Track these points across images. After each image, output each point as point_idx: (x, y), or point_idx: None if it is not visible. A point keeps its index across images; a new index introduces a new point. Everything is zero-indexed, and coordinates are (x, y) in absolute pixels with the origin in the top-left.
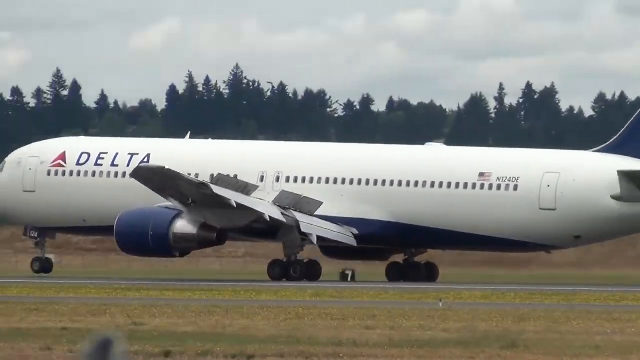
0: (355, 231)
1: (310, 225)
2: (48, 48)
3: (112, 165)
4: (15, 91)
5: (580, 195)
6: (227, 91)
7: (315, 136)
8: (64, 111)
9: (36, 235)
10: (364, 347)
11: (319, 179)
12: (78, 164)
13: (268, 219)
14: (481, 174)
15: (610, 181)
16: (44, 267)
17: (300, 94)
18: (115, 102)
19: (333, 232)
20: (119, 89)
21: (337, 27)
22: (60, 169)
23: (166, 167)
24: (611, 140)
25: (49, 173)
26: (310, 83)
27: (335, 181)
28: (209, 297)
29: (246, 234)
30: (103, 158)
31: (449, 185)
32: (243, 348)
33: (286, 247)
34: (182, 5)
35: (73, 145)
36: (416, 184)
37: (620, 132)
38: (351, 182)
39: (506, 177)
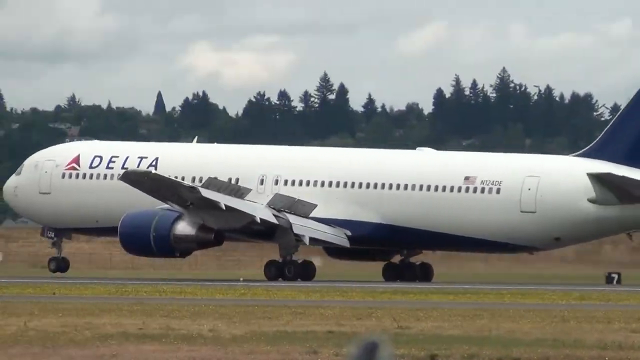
0: (349, 232)
1: (303, 227)
2: (315, 52)
3: (123, 168)
4: (283, 94)
5: (559, 198)
6: (494, 95)
7: (581, 140)
8: (331, 114)
9: (53, 236)
10: (629, 350)
11: (315, 182)
12: (91, 167)
13: (258, 221)
14: (466, 178)
15: (587, 185)
16: (59, 266)
17: (567, 97)
18: (382, 106)
19: (326, 233)
20: (386, 92)
21: (603, 30)
22: (74, 172)
23: (153, 171)
24: (591, 145)
25: (63, 176)
26: (577, 86)
27: (330, 184)
28: (474, 300)
29: (243, 234)
30: (114, 161)
31: (436, 188)
32: (508, 351)
33: (281, 248)
34: (449, 8)
35: (86, 149)
36: (405, 187)
37: (598, 137)
38: (345, 185)
39: (489, 181)
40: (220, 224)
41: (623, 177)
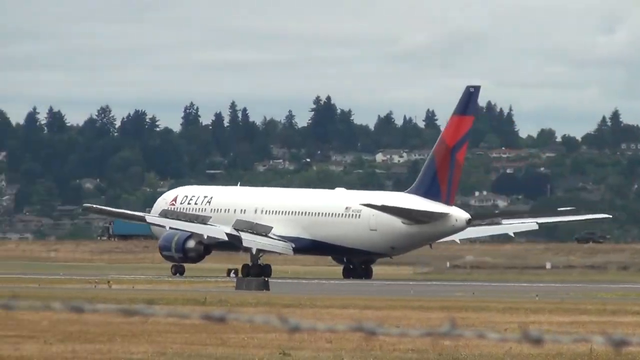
0: (294, 245)
1: (251, 241)
2: None
3: (195, 204)
4: None
5: (389, 221)
6: None
7: None
8: None
9: None
10: None
11: (278, 212)
12: (181, 203)
13: (205, 238)
14: (346, 208)
15: None
16: (178, 270)
17: None
18: None
19: (273, 245)
20: None
21: None
22: (172, 207)
23: (93, 205)
24: (414, 184)
25: (168, 209)
26: None
27: (286, 213)
28: None
29: (224, 247)
30: (192, 199)
31: (333, 215)
32: None
33: (250, 255)
34: None
35: (181, 192)
36: (319, 214)
37: (417, 178)
38: (292, 213)
39: (356, 209)
40: (207, 241)
41: (386, 206)
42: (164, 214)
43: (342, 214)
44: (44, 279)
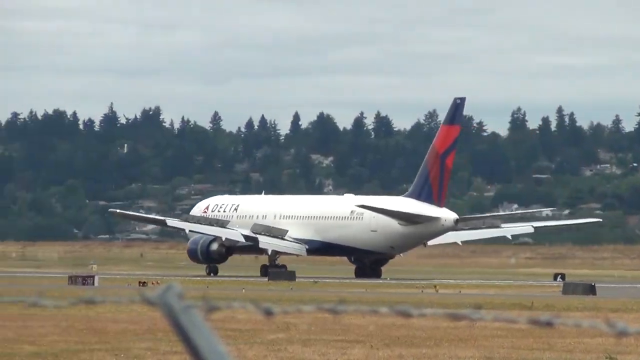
0: (307, 246)
1: (266, 243)
2: None
3: (223, 212)
4: None
5: (387, 222)
6: None
7: None
8: None
9: None
10: None
11: (294, 216)
12: (211, 211)
13: (223, 240)
14: (351, 211)
15: None
16: (212, 270)
17: None
18: None
19: (287, 247)
20: None
21: None
22: (205, 214)
23: (117, 210)
24: (410, 188)
25: (189, 215)
26: None
27: (300, 217)
28: None
29: (244, 250)
30: (222, 207)
31: (341, 218)
32: None
33: (267, 257)
34: None
35: (211, 201)
36: (329, 217)
37: (413, 183)
38: (305, 218)
39: (359, 212)
40: (228, 243)
41: (375, 207)
42: (185, 219)
43: (348, 217)
44: (369, 284)
